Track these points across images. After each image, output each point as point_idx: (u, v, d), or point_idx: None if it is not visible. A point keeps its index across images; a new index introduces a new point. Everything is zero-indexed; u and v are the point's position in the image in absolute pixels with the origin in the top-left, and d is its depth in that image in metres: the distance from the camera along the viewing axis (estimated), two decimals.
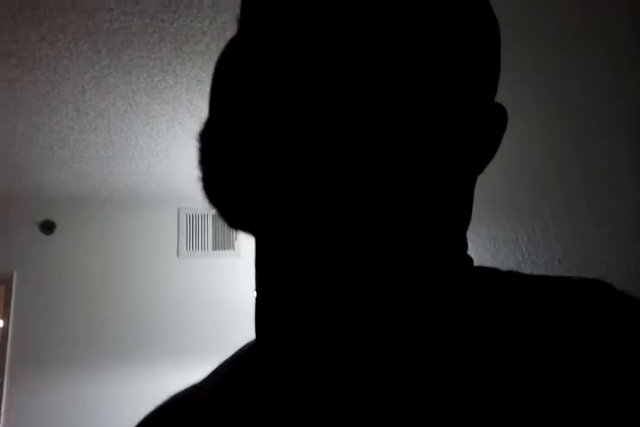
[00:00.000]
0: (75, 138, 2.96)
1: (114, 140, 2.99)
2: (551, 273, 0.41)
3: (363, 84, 0.39)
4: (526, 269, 1.43)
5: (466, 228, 0.46)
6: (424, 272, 0.42)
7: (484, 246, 1.42)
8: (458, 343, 0.37)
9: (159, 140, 3.01)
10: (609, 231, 1.28)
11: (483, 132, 0.44)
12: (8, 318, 3.49)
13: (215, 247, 3.68)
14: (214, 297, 3.58)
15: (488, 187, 1.70)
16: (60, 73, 2.44)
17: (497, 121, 0.45)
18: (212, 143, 0.42)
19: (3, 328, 3.51)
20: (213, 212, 0.42)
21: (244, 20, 0.44)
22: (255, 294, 0.47)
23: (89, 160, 3.18)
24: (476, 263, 0.46)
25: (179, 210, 3.68)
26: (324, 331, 0.41)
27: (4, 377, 3.39)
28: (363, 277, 0.41)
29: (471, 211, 0.46)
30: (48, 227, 3.63)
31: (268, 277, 0.45)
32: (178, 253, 3.68)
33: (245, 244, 3.68)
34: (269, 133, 0.38)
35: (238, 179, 0.39)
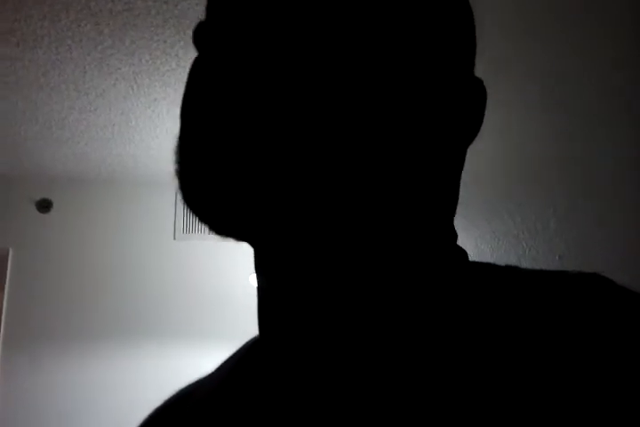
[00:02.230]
0: (74, 118, 2.95)
1: (114, 122, 2.99)
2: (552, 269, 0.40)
3: (338, 67, 0.38)
4: (526, 264, 1.42)
5: (453, 214, 0.45)
6: (412, 264, 0.42)
7: (484, 240, 1.42)
8: (451, 339, 0.36)
9: (159, 123, 3.00)
10: (610, 228, 1.28)
11: (463, 107, 0.43)
12: (2, 295, 3.49)
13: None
14: (211, 280, 3.58)
15: (489, 181, 1.70)
16: (62, 53, 2.43)
17: (476, 95, 0.44)
18: (191, 151, 0.41)
19: None
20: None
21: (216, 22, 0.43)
22: (256, 288, 0.47)
23: (88, 140, 3.17)
24: (475, 258, 0.45)
25: (176, 193, 3.66)
26: (320, 328, 0.41)
27: None
28: (351, 272, 0.41)
29: (458, 196, 0.45)
30: (45, 206, 3.63)
31: (265, 275, 0.45)
32: (175, 235, 3.68)
33: None
34: (244, 129, 0.38)
35: (225, 184, 0.39)
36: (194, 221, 3.69)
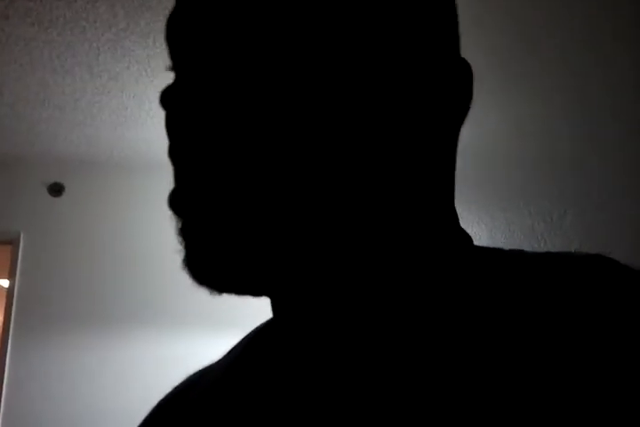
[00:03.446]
0: (87, 100, 2.93)
1: (126, 105, 2.97)
2: None
3: (322, 58, 0.38)
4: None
5: (452, 195, 0.45)
6: (416, 253, 0.41)
7: (499, 229, 1.40)
8: (455, 329, 0.36)
9: None
10: (626, 220, 1.27)
11: (449, 87, 0.42)
12: (14, 278, 3.51)
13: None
14: None
15: (504, 171, 1.68)
16: (76, 34, 2.42)
17: (462, 74, 0.44)
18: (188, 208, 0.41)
19: (8, 289, 3.54)
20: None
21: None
22: None
23: (100, 124, 3.16)
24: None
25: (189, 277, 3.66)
26: (331, 317, 0.41)
27: (9, 338, 3.42)
28: (356, 262, 0.41)
29: (454, 177, 0.45)
30: (57, 189, 3.63)
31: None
32: None
33: None
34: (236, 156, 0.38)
35: (232, 245, 0.39)
36: None
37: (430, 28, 0.43)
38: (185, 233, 0.41)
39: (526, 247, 0.43)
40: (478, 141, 1.94)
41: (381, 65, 0.40)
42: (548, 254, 0.39)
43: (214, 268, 0.40)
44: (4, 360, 3.39)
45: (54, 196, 3.62)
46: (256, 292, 0.41)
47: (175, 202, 0.41)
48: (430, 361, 0.35)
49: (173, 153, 0.41)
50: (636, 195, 1.26)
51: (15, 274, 3.51)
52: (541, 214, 1.41)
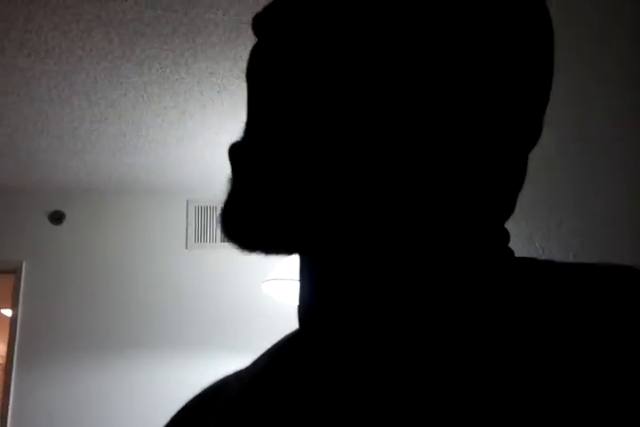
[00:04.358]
0: (86, 128, 2.96)
1: (124, 131, 2.99)
2: None
3: (397, 69, 0.39)
4: None
5: (505, 217, 0.45)
6: (460, 266, 0.42)
7: None
8: (484, 336, 0.36)
9: (170, 132, 3.01)
10: (624, 228, 1.27)
11: (520, 113, 0.43)
12: (17, 307, 3.50)
13: (223, 239, 3.64)
14: (223, 289, 3.58)
15: None
16: (73, 63, 2.44)
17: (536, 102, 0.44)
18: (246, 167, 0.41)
19: (12, 318, 3.53)
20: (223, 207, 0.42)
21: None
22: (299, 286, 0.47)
23: (99, 151, 3.18)
24: None
25: (187, 202, 3.68)
26: (363, 325, 0.41)
27: (13, 367, 3.40)
28: (398, 269, 0.41)
29: (515, 201, 0.45)
30: (57, 217, 3.64)
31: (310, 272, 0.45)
32: (187, 245, 3.68)
33: None
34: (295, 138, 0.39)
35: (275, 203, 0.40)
36: (205, 230, 3.69)
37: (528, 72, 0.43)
38: (233, 184, 0.41)
39: (525, 255, 0.44)
40: None
41: (462, 86, 0.40)
42: (579, 265, 0.39)
43: (248, 220, 0.41)
44: (9, 390, 3.37)
45: (55, 224, 3.63)
46: (279, 250, 0.42)
47: (237, 152, 0.42)
48: (458, 372, 0.35)
49: (256, 109, 0.42)
50: (634, 201, 1.27)
51: (18, 303, 3.50)
52: (538, 223, 1.43)
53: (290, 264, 2.64)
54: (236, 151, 0.42)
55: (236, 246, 0.41)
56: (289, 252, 0.42)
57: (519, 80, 0.42)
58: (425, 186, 0.40)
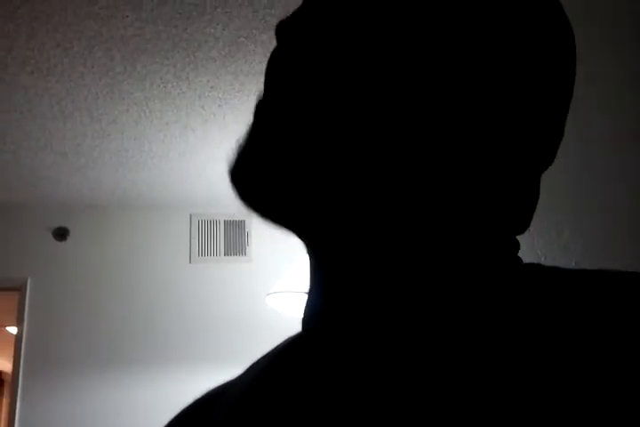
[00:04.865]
0: (88, 144, 2.97)
1: (127, 147, 3.00)
2: None
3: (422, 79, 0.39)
4: None
5: (519, 231, 0.46)
6: (469, 273, 0.42)
7: None
8: (501, 346, 0.36)
9: (172, 147, 3.02)
10: (627, 235, 1.27)
11: (538, 138, 0.43)
12: (22, 324, 3.50)
13: (227, 253, 3.68)
14: (227, 302, 3.58)
15: None
16: (75, 80, 2.46)
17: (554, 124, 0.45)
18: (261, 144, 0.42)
19: (17, 335, 3.52)
20: (245, 209, 0.42)
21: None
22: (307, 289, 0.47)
23: (102, 167, 3.19)
24: None
25: (191, 216, 3.68)
26: (369, 330, 0.41)
27: (18, 383, 3.40)
28: (408, 272, 0.42)
29: (530, 218, 0.46)
30: (61, 233, 3.64)
31: (321, 274, 0.46)
32: (190, 259, 3.68)
33: (256, 249, 3.68)
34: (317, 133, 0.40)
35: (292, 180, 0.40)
36: (208, 244, 3.69)
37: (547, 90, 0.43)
38: (250, 141, 0.42)
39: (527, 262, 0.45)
40: None
41: (482, 104, 0.41)
42: (584, 271, 0.40)
43: (259, 176, 0.41)
44: (15, 406, 3.36)
45: (59, 240, 3.64)
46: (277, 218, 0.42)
47: (262, 111, 0.42)
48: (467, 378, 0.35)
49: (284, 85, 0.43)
50: (634, 208, 1.27)
51: (23, 320, 3.50)
52: (540, 232, 1.43)
53: (294, 277, 2.63)
54: (261, 106, 0.42)
55: (239, 198, 0.41)
56: (289, 222, 0.42)
57: (539, 93, 0.43)
58: (438, 196, 0.41)
